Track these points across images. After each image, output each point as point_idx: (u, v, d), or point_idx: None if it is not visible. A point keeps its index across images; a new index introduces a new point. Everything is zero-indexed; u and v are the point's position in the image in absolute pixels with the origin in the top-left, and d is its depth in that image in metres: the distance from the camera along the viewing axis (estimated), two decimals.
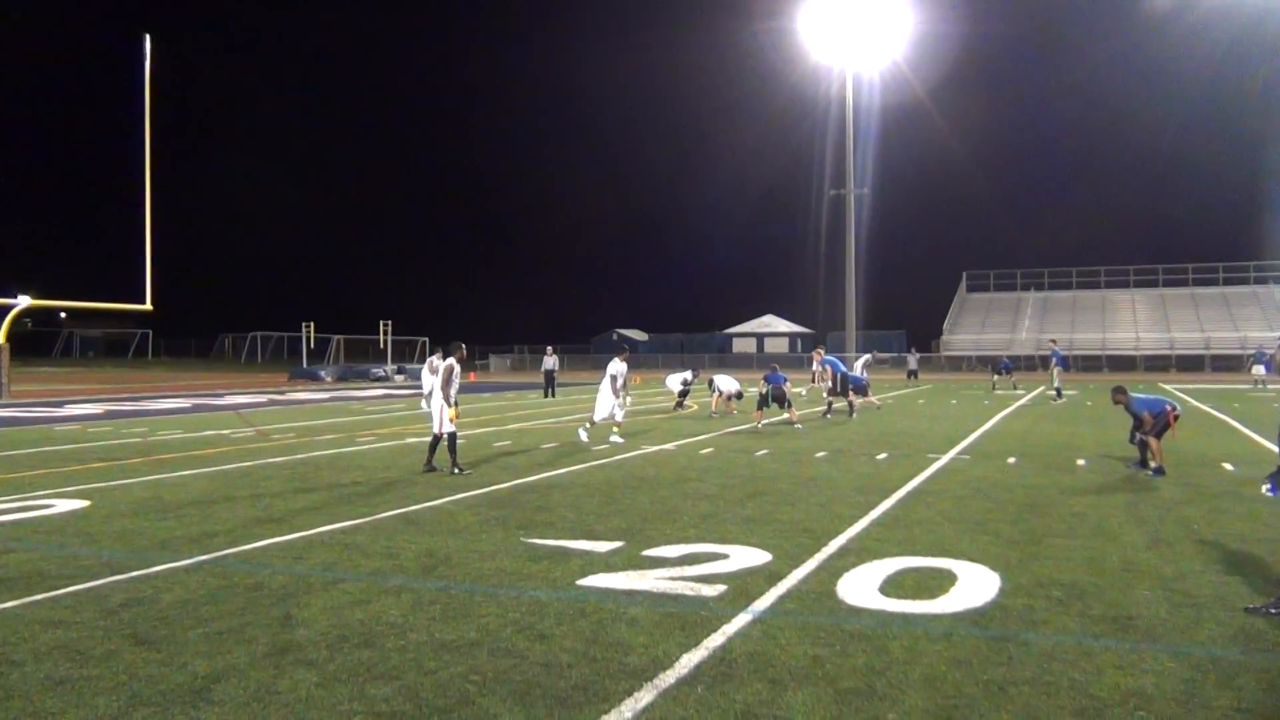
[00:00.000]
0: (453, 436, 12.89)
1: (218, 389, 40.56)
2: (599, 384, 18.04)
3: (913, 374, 48.56)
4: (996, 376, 38.82)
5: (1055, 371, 30.31)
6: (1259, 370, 39.60)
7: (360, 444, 16.96)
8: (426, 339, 68.00)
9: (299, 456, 14.95)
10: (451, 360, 12.86)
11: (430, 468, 13.00)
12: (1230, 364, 61.24)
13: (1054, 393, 29.67)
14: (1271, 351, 39.93)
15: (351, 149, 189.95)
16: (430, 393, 14.39)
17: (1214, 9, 71.82)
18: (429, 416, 13.67)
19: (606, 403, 17.47)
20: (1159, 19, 77.40)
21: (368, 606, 6.25)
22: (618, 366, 17.67)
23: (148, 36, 34.26)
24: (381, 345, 61.23)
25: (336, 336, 71.00)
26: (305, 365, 58.79)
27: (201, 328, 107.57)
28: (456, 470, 12.76)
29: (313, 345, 63.85)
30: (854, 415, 22.16)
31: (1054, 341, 35.49)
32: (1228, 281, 76.36)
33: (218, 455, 15.18)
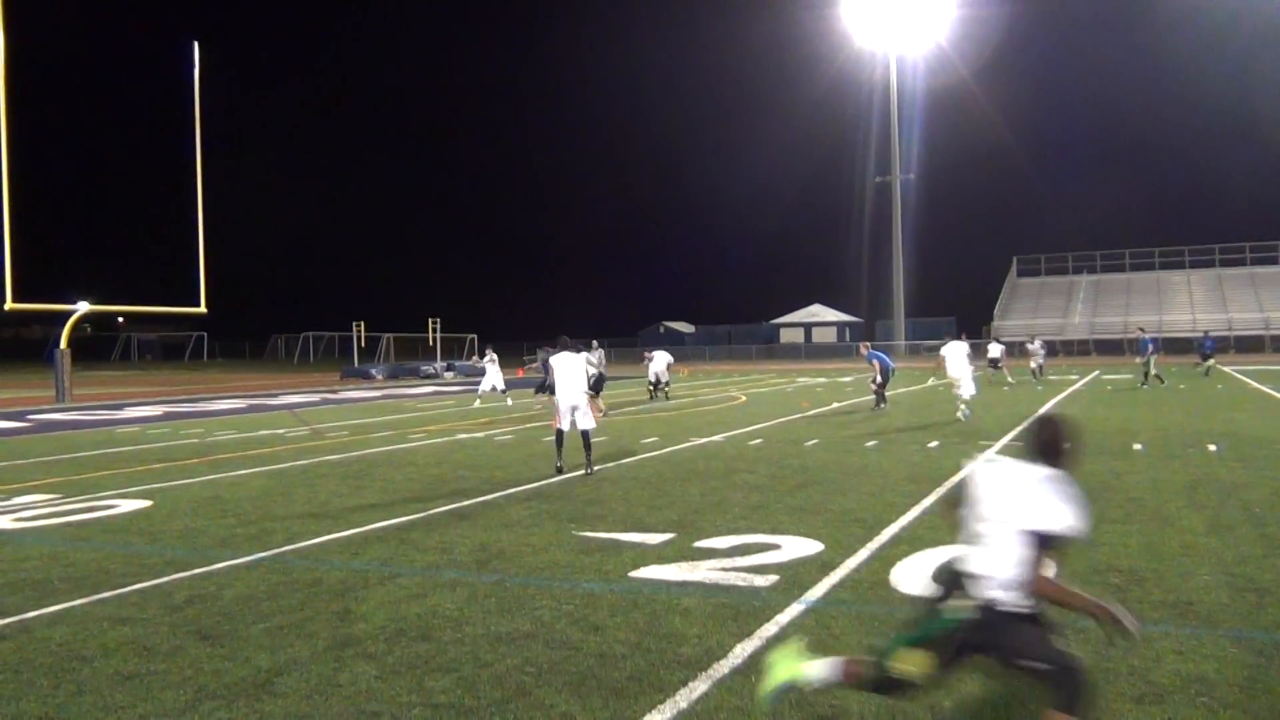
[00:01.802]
0: (586, 434, 12.35)
1: (272, 389, 41.18)
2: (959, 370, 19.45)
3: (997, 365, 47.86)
4: (1206, 362, 34.74)
5: (1152, 359, 28.74)
6: None
7: (412, 441, 17.16)
8: (475, 335, 68.51)
9: (353, 454, 15.16)
10: (587, 354, 12.91)
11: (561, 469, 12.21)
12: None
13: (1144, 378, 28.42)
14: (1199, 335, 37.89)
15: (398, 149, 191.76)
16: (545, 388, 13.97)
17: None
18: (560, 412, 12.45)
19: (968, 380, 19.20)
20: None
21: (424, 600, 6.34)
22: (965, 347, 19.84)
23: (196, 44, 34.84)
24: (431, 343, 61.79)
25: (386, 335, 71.73)
26: (356, 364, 59.45)
27: (255, 329, 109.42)
28: (591, 470, 12.15)
29: (363, 344, 64.52)
30: (883, 407, 21.67)
31: (1142, 330, 33.08)
32: None
33: (273, 454, 15.44)
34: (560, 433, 12.44)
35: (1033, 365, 34.87)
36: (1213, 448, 13.29)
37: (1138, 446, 13.71)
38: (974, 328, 74.26)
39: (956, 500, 3.98)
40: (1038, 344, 36.02)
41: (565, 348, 12.65)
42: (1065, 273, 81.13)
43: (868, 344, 24.65)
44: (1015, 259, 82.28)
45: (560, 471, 12.08)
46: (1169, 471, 11.29)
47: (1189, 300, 72.40)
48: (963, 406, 18.92)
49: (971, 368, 19.51)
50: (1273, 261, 74.93)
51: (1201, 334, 40.16)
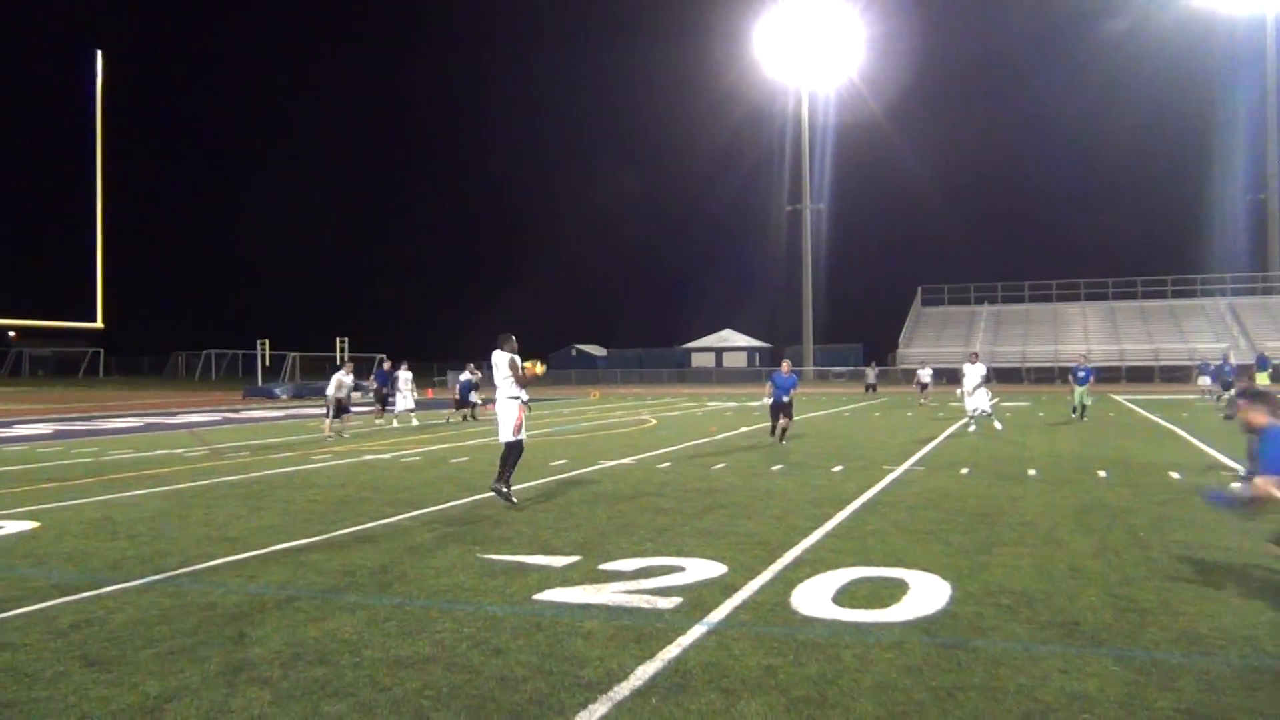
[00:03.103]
0: (516, 447, 11.20)
1: (171, 408, 40.02)
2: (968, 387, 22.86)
3: (871, 387, 49.11)
4: (1226, 393, 31.64)
5: (1084, 388, 26.37)
6: (1205, 381, 40.38)
7: (316, 462, 16.83)
8: (383, 354, 67.50)
9: (253, 475, 14.81)
10: (511, 355, 11.28)
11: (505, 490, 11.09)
12: (1179, 375, 62.41)
13: (1080, 410, 26.33)
14: (1216, 363, 38.06)
15: (303, 167, 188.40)
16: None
17: (1161, 33, 74.00)
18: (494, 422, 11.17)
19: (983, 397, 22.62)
20: (1108, 44, 79.59)
21: (322, 624, 6.23)
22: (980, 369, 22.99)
23: (99, 51, 33.85)
24: (338, 362, 60.71)
25: (292, 353, 70.36)
26: (260, 383, 58.17)
27: (154, 345, 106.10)
28: (504, 491, 11.07)
29: (268, 362, 63.19)
30: (784, 442, 19.56)
31: (1085, 356, 30.15)
32: (1176, 294, 77.87)
33: (171, 475, 14.99)
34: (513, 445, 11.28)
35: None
36: (1102, 474, 13.78)
37: (1032, 472, 14.15)
38: (880, 355, 75.95)
39: None
40: (981, 368, 31.51)
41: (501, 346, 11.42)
42: (967, 303, 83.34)
43: (789, 363, 21.67)
44: (920, 288, 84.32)
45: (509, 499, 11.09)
46: (1061, 496, 11.67)
47: (1084, 331, 74.97)
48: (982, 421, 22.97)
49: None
50: (1162, 295, 78.11)
51: (1220, 361, 36.59)
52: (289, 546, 8.90)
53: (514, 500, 11.20)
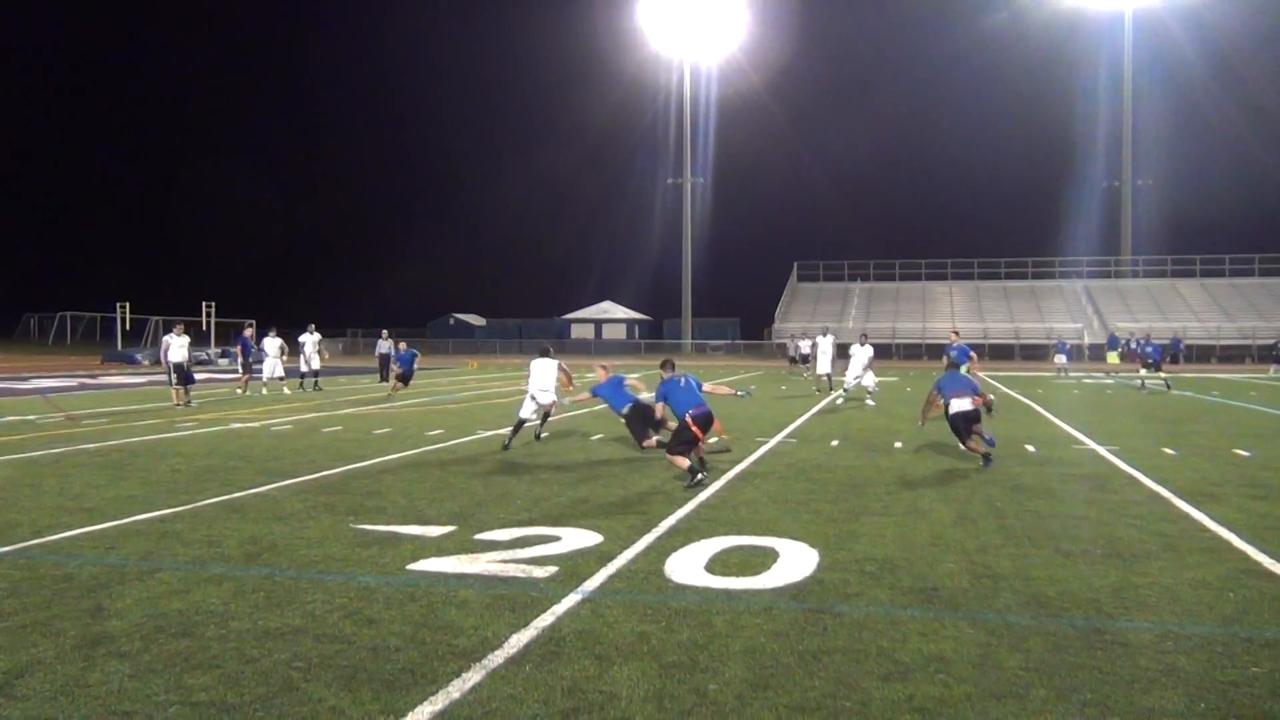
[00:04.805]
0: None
1: (22, 372, 38.04)
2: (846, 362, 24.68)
3: (795, 361, 49.38)
4: (1144, 370, 30.58)
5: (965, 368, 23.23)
6: (1061, 359, 42.36)
7: (181, 430, 16.26)
8: (253, 321, 65.40)
9: (113, 443, 14.23)
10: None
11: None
12: (1038, 353, 65.25)
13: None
14: (1072, 342, 38.28)
15: (169, 120, 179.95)
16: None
17: (1029, 26, 77.13)
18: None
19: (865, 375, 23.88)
20: (982, 34, 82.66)
21: (186, 596, 6.06)
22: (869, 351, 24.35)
23: None
24: (204, 328, 58.62)
25: (154, 318, 67.51)
26: (120, 348, 55.75)
27: (3, 306, 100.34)
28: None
29: (129, 327, 60.58)
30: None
31: (956, 333, 28.17)
32: (1036, 276, 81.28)
33: (22, 442, 14.28)
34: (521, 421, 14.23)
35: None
36: (964, 447, 14.33)
37: (898, 445, 14.64)
38: (756, 329, 77.23)
39: None
40: (869, 350, 26.36)
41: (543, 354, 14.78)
42: (841, 279, 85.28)
43: (671, 364, 12.97)
44: (796, 264, 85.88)
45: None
46: (924, 468, 12.12)
47: (950, 310, 77.64)
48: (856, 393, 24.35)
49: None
50: (1023, 276, 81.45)
51: (1141, 340, 33.76)
52: (151, 517, 8.60)
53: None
